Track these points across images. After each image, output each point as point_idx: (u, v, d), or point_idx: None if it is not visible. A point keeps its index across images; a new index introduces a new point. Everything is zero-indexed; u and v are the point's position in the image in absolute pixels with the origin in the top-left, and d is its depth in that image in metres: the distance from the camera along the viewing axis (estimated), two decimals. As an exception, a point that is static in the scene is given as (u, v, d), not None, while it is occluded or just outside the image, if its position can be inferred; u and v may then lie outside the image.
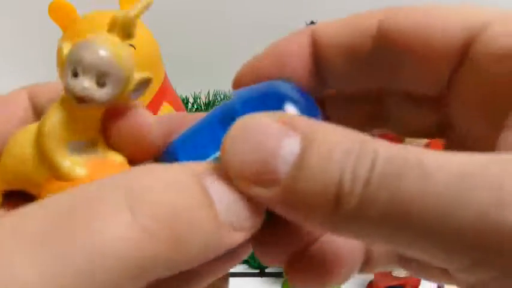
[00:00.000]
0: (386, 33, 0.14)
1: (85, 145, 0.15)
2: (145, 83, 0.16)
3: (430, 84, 0.14)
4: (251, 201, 0.12)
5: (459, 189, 0.09)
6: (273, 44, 0.16)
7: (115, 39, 0.15)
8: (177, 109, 0.54)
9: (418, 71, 0.14)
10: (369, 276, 0.52)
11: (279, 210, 0.12)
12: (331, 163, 0.11)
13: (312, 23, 0.54)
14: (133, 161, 0.16)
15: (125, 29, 0.15)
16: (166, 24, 0.68)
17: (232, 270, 0.53)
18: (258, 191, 0.11)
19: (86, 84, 0.14)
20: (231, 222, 0.11)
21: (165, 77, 0.54)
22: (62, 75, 0.14)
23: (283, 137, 0.11)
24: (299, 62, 0.15)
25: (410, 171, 0.10)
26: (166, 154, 0.15)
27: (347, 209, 0.10)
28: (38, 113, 0.17)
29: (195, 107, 0.76)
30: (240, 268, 0.56)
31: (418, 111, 0.16)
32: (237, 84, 0.16)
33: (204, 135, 0.14)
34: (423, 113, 0.15)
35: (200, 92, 0.76)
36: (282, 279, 0.54)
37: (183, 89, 0.69)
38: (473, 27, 0.12)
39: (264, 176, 0.11)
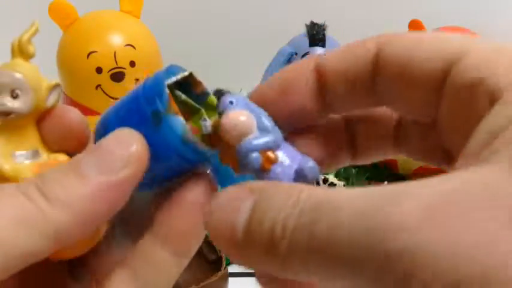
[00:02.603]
0: (381, 60, 0.15)
1: (30, 154, 0.19)
2: (55, 88, 0.19)
3: (419, 110, 0.16)
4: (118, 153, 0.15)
5: (358, 227, 0.11)
6: (279, 73, 0.17)
7: (18, 61, 0.19)
8: (177, 109, 0.55)
9: (407, 97, 0.15)
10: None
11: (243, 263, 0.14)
12: (265, 220, 0.13)
13: (312, 23, 0.54)
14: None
15: (23, 51, 0.19)
16: (166, 24, 0.69)
17: (232, 270, 0.53)
18: (231, 252, 0.14)
19: (4, 100, 0.18)
20: (94, 170, 0.15)
21: (165, 77, 0.54)
22: None
23: (241, 201, 0.14)
24: (304, 88, 0.17)
25: (324, 217, 0.12)
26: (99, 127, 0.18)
27: (280, 251, 0.13)
28: None
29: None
30: (240, 268, 0.56)
31: (422, 137, 0.17)
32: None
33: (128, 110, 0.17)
34: (427, 139, 0.17)
35: (200, 92, 0.76)
36: (281, 279, 0.54)
37: (183, 89, 0.69)
38: (450, 57, 0.14)
39: (231, 237, 0.14)
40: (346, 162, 0.19)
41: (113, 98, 0.49)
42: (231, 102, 0.17)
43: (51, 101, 0.19)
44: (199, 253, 0.46)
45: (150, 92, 0.16)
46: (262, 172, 0.17)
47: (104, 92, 0.49)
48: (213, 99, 0.18)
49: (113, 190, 0.15)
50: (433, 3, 0.76)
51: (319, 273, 0.12)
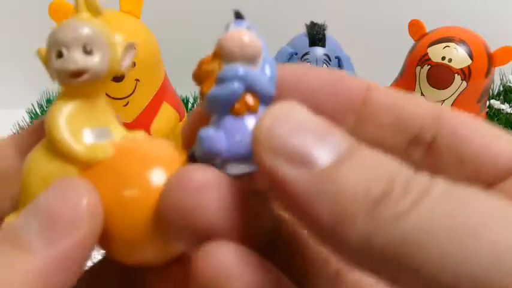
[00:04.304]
0: (439, 135, 0.14)
1: (100, 133, 0.15)
2: (130, 48, 0.16)
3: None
4: None
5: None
6: (338, 73, 0.16)
7: (86, 15, 0.15)
8: (177, 109, 0.55)
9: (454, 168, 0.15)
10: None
11: (301, 199, 0.11)
12: (381, 168, 0.11)
13: (312, 23, 0.54)
14: None
15: (90, 7, 0.15)
16: (166, 24, 0.69)
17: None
18: (287, 170, 0.11)
19: (76, 56, 0.14)
20: (39, 240, 0.13)
21: (165, 77, 0.54)
22: (48, 67, 0.15)
23: (329, 130, 0.11)
24: (352, 98, 0.15)
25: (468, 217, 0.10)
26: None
27: (389, 212, 0.10)
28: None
29: (195, 106, 0.76)
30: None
31: None
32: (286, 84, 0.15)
33: None
34: None
35: (200, 92, 0.76)
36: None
37: (183, 89, 0.69)
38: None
39: (300, 156, 0.11)
40: None
41: (113, 98, 0.49)
42: (248, 28, 0.14)
43: (126, 63, 0.15)
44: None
45: None
46: (227, 112, 0.13)
47: (104, 92, 0.49)
48: None
49: (66, 259, 0.12)
50: (433, 3, 0.76)
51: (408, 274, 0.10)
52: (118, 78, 0.49)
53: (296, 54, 0.54)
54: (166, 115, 0.53)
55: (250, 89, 0.13)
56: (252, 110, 0.13)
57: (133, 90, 0.50)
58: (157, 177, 0.13)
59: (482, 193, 0.10)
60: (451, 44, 0.50)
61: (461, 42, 0.50)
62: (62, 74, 0.14)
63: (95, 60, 0.14)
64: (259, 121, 0.11)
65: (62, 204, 0.13)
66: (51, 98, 0.77)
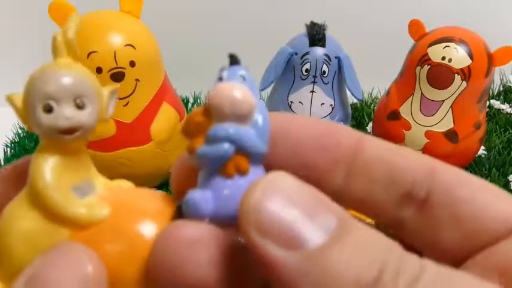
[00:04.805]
0: (433, 191, 0.14)
1: (85, 188, 0.14)
2: (113, 94, 0.15)
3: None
4: None
5: None
6: (329, 124, 0.15)
7: (69, 61, 0.14)
8: (177, 109, 0.55)
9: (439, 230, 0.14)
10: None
11: (288, 280, 0.10)
12: (372, 251, 0.10)
13: (312, 23, 0.54)
14: None
15: (71, 50, 0.14)
16: (167, 25, 0.69)
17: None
18: (274, 251, 0.10)
19: (67, 112, 0.13)
20: None
21: (165, 77, 0.54)
22: (28, 119, 0.14)
23: (320, 208, 0.11)
24: (342, 152, 0.14)
25: None
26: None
27: None
28: None
29: (195, 107, 0.76)
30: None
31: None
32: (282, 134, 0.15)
33: None
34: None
35: (200, 92, 0.76)
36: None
37: (183, 89, 0.69)
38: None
39: (289, 236, 0.10)
40: None
41: (112, 98, 0.49)
42: (243, 78, 0.14)
43: (111, 110, 0.15)
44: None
45: None
46: (216, 171, 0.13)
47: (103, 92, 0.49)
48: None
49: None
50: (433, 3, 0.76)
51: None
52: (118, 78, 0.49)
53: (296, 54, 0.54)
54: (167, 115, 0.53)
55: (241, 149, 0.13)
56: (242, 172, 0.13)
57: (133, 90, 0.50)
58: (152, 233, 0.13)
59: (471, 277, 0.10)
60: (451, 44, 0.50)
61: (461, 42, 0.50)
62: (52, 130, 0.13)
63: (86, 115, 0.13)
64: (247, 194, 0.11)
65: (65, 274, 0.12)
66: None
